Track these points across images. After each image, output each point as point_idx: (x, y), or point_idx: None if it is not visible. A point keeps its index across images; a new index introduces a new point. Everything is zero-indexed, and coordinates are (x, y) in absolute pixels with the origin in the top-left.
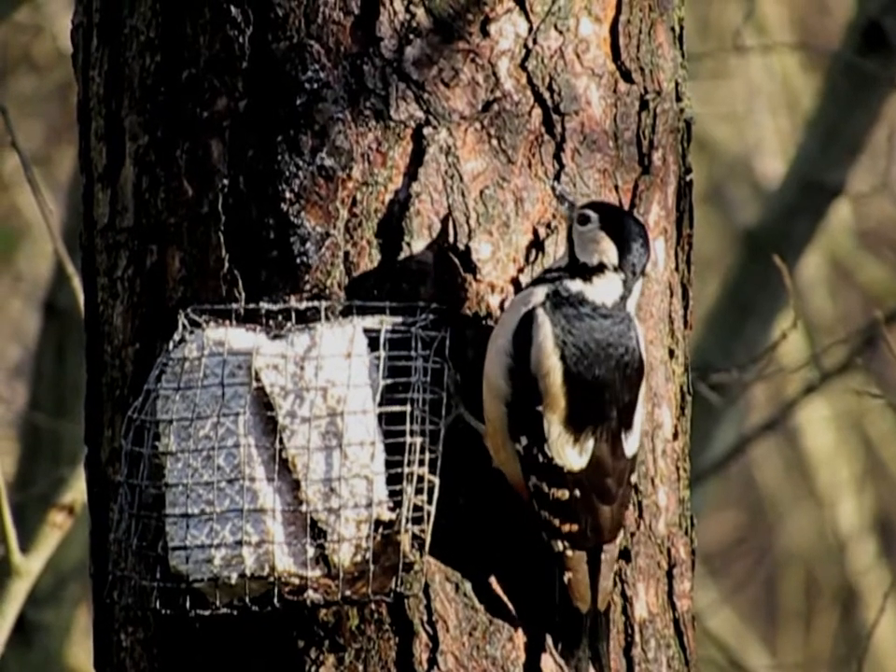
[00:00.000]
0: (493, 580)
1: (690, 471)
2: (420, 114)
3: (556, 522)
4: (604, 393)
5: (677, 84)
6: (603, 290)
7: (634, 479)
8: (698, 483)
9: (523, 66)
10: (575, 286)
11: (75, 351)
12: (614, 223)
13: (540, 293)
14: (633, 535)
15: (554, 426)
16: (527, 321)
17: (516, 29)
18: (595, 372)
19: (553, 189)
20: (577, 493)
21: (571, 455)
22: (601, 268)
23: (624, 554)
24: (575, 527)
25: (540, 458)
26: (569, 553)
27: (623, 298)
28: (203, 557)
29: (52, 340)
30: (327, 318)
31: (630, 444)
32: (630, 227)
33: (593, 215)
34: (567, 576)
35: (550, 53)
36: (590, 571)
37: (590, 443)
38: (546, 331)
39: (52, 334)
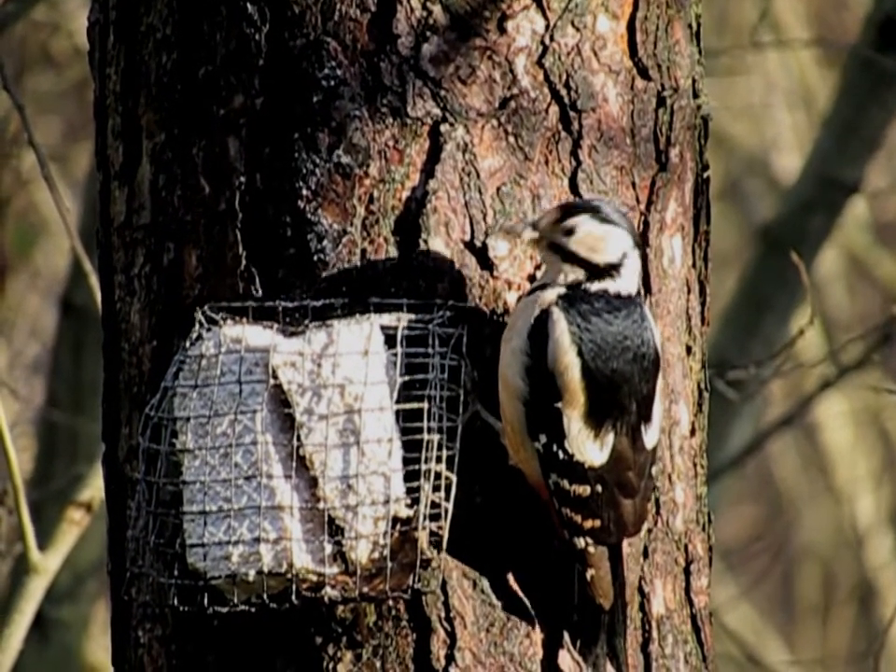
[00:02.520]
0: (510, 576)
1: (707, 467)
2: (437, 111)
3: (578, 518)
4: (623, 386)
5: (694, 81)
6: (630, 278)
7: (654, 471)
8: (716, 479)
9: (540, 63)
10: (596, 285)
11: (92, 348)
12: (604, 212)
13: (551, 294)
14: (650, 531)
15: (574, 422)
16: (543, 319)
17: (533, 26)
18: (612, 366)
19: (513, 232)
20: (598, 488)
21: (592, 450)
22: (624, 257)
23: (642, 551)
24: (597, 523)
25: (561, 455)
26: (591, 549)
27: (638, 275)
28: (220, 554)
29: (69, 337)
30: (344, 316)
31: (650, 436)
32: (615, 206)
33: (579, 218)
34: (590, 573)
35: (567, 50)
36: (612, 565)
37: (610, 438)
38: (563, 328)
39: (69, 331)
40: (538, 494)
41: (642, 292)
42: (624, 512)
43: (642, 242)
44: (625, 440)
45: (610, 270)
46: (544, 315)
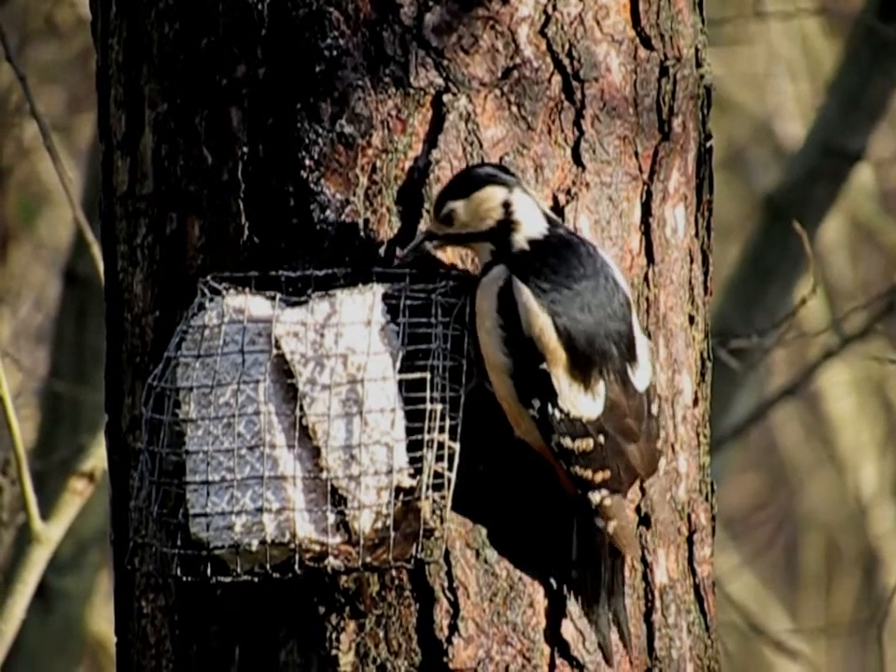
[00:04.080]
0: (513, 545)
1: (710, 437)
2: (440, 81)
3: (588, 473)
4: (599, 330)
5: (697, 50)
6: (530, 217)
7: (655, 410)
8: (719, 449)
9: (542, 33)
10: (517, 243)
11: (95, 319)
12: (465, 183)
13: (499, 271)
14: (652, 500)
15: (563, 379)
16: (506, 292)
17: None
18: (583, 316)
19: (418, 250)
20: (601, 439)
21: (585, 402)
22: (507, 207)
23: (644, 520)
24: (607, 474)
25: (557, 415)
26: (608, 501)
27: (542, 209)
28: (223, 524)
29: (72, 307)
30: (346, 285)
31: (640, 378)
32: (475, 169)
33: (449, 203)
34: (612, 525)
35: (570, 20)
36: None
37: (601, 387)
38: (527, 292)
39: (72, 302)
40: (546, 461)
41: (584, 236)
42: (631, 458)
43: (644, 211)
44: (616, 387)
45: (508, 224)
46: (506, 288)
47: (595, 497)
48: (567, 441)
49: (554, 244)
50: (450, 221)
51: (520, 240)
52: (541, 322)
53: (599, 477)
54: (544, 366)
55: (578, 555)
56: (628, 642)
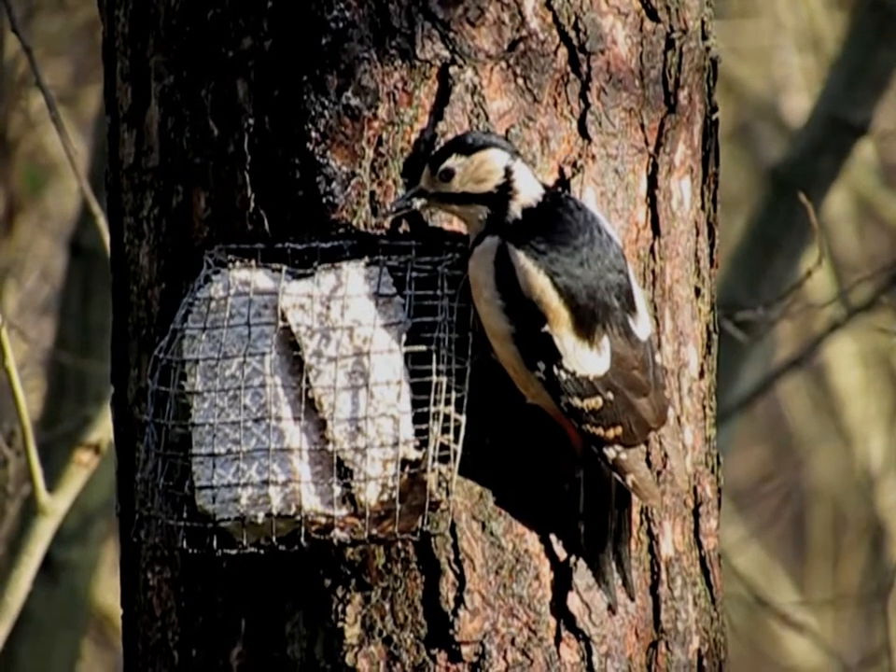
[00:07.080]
0: (519, 518)
1: (716, 409)
2: (446, 53)
3: (600, 431)
4: (599, 284)
5: (703, 22)
6: (528, 184)
7: (658, 358)
8: (725, 421)
9: (548, 5)
10: (512, 212)
11: (101, 291)
12: (468, 143)
13: (493, 240)
14: (659, 473)
15: (566, 339)
16: (502, 260)
17: None
18: (581, 269)
19: (403, 207)
20: (610, 396)
21: (591, 360)
22: (509, 173)
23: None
24: (619, 430)
25: (564, 376)
26: (623, 456)
27: (538, 180)
28: (229, 497)
29: (78, 279)
30: (352, 258)
31: (641, 328)
32: (478, 133)
33: (449, 160)
34: (630, 478)
35: None
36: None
37: (605, 341)
38: (522, 256)
39: (78, 274)
40: (559, 423)
41: (559, 188)
42: (642, 411)
43: (650, 184)
44: (621, 340)
45: (506, 190)
46: (501, 256)
47: (611, 452)
48: (576, 401)
49: (545, 208)
50: (448, 178)
51: (515, 209)
52: (540, 283)
53: (612, 433)
54: (546, 328)
55: (585, 508)
56: (632, 588)
